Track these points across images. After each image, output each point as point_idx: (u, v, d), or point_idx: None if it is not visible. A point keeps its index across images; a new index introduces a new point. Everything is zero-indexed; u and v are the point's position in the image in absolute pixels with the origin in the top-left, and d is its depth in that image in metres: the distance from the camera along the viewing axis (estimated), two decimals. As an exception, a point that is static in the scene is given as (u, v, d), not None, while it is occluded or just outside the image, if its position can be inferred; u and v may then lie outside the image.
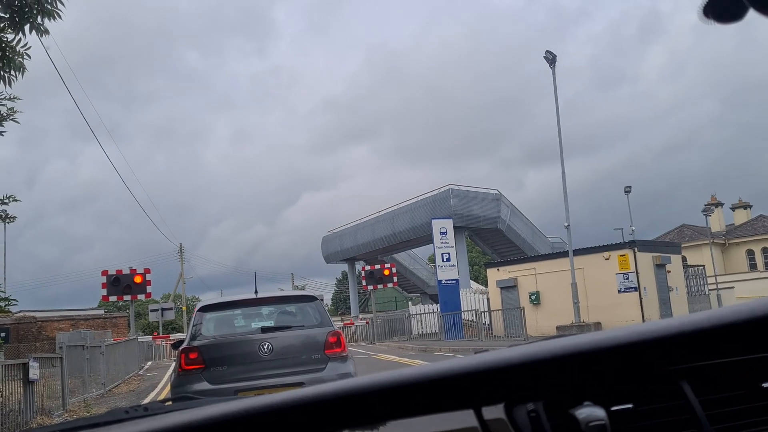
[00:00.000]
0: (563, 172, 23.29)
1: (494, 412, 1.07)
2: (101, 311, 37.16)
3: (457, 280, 28.68)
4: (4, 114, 8.31)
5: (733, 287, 34.05)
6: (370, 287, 30.50)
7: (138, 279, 21.47)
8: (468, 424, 1.06)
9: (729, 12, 0.82)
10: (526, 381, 1.09)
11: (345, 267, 48.25)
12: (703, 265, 31.87)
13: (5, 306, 8.31)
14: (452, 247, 28.75)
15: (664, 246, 27.82)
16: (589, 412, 1.02)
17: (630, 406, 1.08)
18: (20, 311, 29.21)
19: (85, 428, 1.28)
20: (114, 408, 1.65)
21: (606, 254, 24.36)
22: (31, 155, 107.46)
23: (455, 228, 29.88)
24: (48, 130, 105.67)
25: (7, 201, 8.63)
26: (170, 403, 1.86)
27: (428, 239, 31.95)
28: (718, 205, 50.16)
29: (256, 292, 7.86)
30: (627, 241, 25.54)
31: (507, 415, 1.06)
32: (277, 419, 1.07)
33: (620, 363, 1.10)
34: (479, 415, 1.06)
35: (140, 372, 22.40)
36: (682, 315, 1.23)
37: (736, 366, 1.12)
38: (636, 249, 23.96)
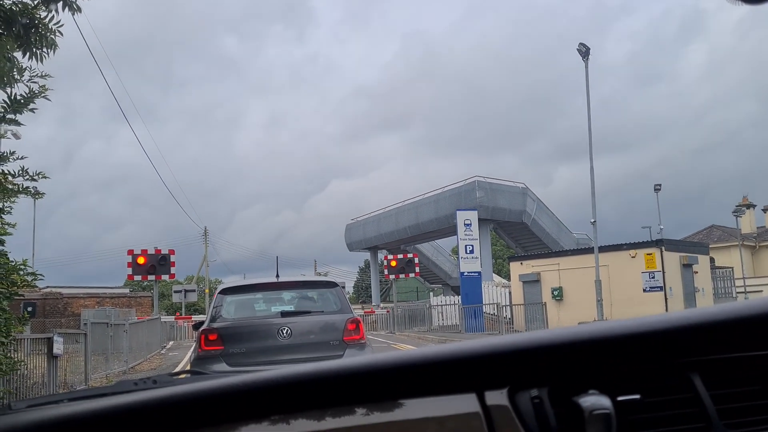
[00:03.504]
0: (591, 167, 23.01)
1: (497, 397, 1.05)
2: (126, 290, 37.75)
3: (479, 273, 28.54)
4: (36, 91, 8.36)
5: (761, 291, 33.43)
6: (392, 276, 30.53)
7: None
8: (470, 409, 1.04)
9: None
10: (531, 366, 1.08)
11: (368, 255, 48.39)
12: (732, 267, 31.37)
13: (32, 280, 8.43)
14: (476, 239, 28.61)
15: (692, 246, 27.39)
16: (594, 401, 1.00)
17: (637, 397, 1.05)
18: (48, 287, 29.79)
19: (94, 397, 1.27)
20: (123, 380, 1.66)
21: (632, 252, 24.08)
22: (69, 135, 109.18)
23: (480, 220, 29.70)
24: (86, 110, 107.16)
25: (36, 177, 8.70)
26: (183, 376, 1.85)
27: (452, 231, 31.85)
28: (750, 206, 49.14)
29: (277, 276, 7.88)
30: (654, 239, 25.19)
31: (510, 400, 1.04)
32: (278, 394, 1.07)
33: (629, 353, 1.08)
34: (482, 400, 1.04)
35: (162, 351, 22.70)
36: (695, 308, 1.21)
37: (749, 361, 1.09)
38: (663, 248, 23.64)
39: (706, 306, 1.18)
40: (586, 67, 22.69)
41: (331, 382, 1.07)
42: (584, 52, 22.50)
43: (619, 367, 1.07)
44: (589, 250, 24.57)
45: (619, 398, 1.03)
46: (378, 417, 1.04)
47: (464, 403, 1.04)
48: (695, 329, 1.08)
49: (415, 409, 1.04)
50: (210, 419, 1.06)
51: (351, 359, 1.11)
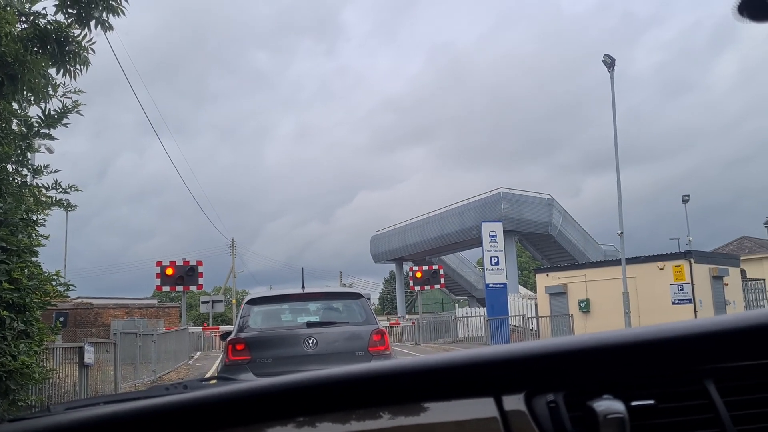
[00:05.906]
0: (618, 179, 22.83)
1: (514, 402, 1.07)
2: (155, 301, 38.18)
3: (505, 285, 28.35)
4: (69, 107, 8.59)
5: (795, 303, 32.67)
6: (417, 288, 30.47)
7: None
8: (488, 413, 1.06)
9: (763, 11, 0.82)
10: (547, 372, 1.09)
11: (393, 267, 48.32)
12: (764, 279, 30.70)
13: (64, 291, 8.62)
14: (501, 251, 28.45)
15: (722, 258, 26.93)
16: (608, 405, 1.02)
17: (651, 402, 1.06)
18: (78, 297, 30.27)
19: (129, 401, 1.34)
20: (155, 385, 1.73)
21: (660, 264, 23.73)
22: (103, 148, 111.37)
23: (505, 232, 29.54)
24: (119, 124, 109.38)
25: (69, 190, 8.94)
26: (213, 381, 1.92)
27: (477, 242, 31.69)
28: (782, 217, 48.13)
29: (303, 287, 7.96)
30: (683, 251, 24.82)
31: (526, 404, 1.07)
32: (304, 396, 1.11)
33: (644, 359, 1.09)
34: (499, 404, 1.07)
35: (189, 362, 22.90)
36: (711, 316, 1.21)
37: (764, 369, 1.09)
38: (692, 260, 23.27)
39: (721, 315, 1.19)
40: (612, 78, 22.58)
41: (354, 385, 1.12)
42: (609, 63, 22.40)
43: (634, 373, 1.09)
44: (616, 262, 24.29)
45: (633, 403, 1.04)
46: (399, 420, 1.08)
47: (482, 407, 1.07)
48: (709, 337, 1.09)
49: (434, 412, 1.07)
50: (238, 420, 1.11)
51: (374, 363, 1.16)
